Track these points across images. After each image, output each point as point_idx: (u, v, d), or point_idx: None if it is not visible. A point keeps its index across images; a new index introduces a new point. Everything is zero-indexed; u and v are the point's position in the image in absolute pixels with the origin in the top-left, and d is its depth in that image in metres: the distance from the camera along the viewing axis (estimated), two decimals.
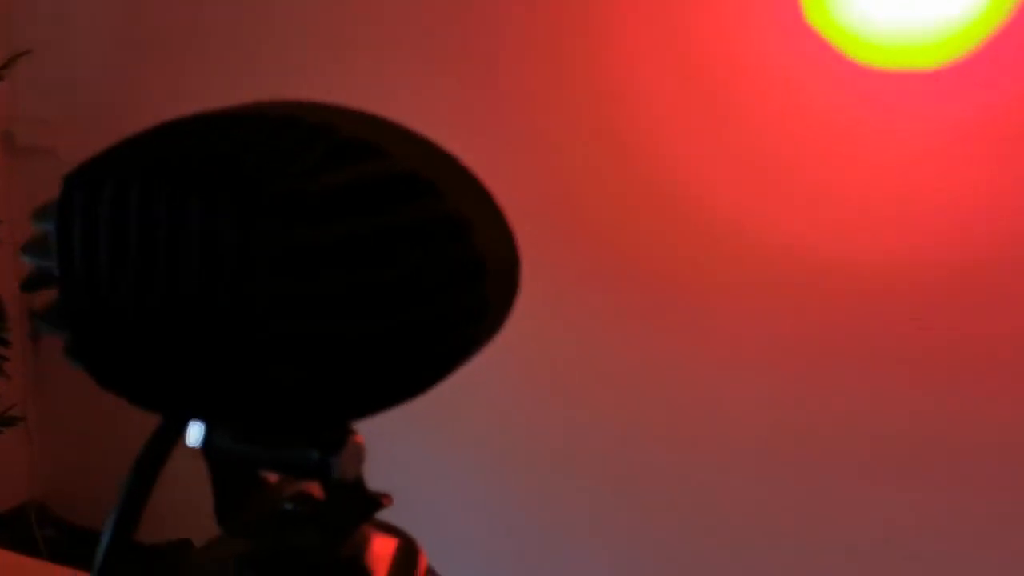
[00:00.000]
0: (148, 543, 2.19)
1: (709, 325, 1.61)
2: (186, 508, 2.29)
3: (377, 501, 0.49)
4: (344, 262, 0.36)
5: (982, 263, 1.39)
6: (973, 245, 1.40)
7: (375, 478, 0.47)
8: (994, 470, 1.44)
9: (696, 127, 1.54)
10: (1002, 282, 1.38)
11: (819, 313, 1.51)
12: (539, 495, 1.84)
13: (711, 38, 1.50)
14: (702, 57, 1.51)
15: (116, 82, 2.24)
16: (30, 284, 0.44)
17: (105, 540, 0.41)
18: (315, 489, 0.47)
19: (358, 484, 0.46)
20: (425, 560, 0.51)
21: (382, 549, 0.50)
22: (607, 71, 1.59)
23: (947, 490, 1.47)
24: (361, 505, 0.48)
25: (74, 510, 2.52)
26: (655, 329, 1.66)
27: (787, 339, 1.54)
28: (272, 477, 0.49)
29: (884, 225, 1.44)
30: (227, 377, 0.38)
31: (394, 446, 1.52)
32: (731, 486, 1.64)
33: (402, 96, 1.71)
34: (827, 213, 1.47)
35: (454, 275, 0.39)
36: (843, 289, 1.48)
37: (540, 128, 1.68)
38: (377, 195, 0.38)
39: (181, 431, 0.43)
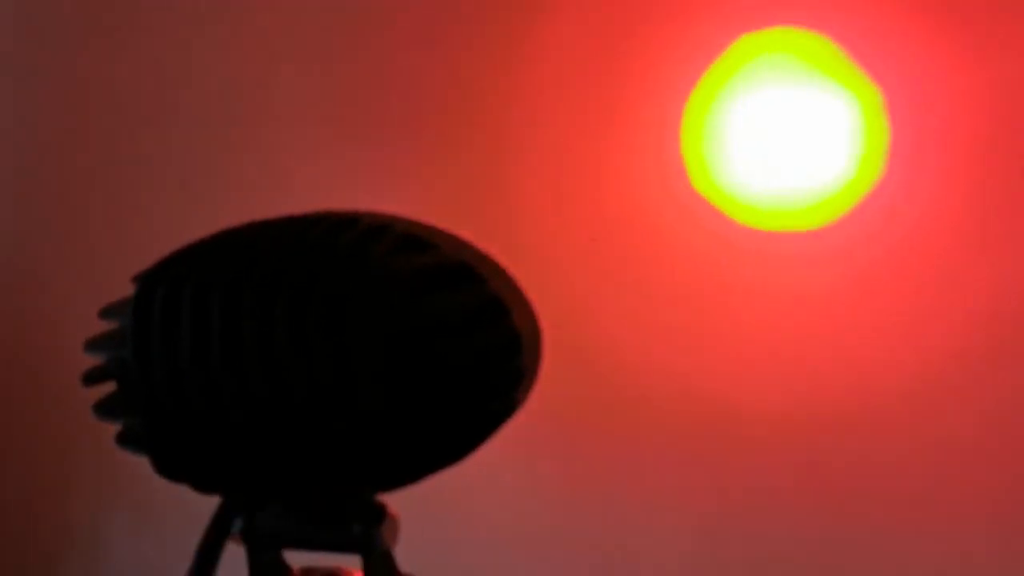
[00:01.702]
0: None
1: (610, 467, 1.68)
2: None
3: None
4: (422, 343, 0.41)
5: (849, 410, 1.53)
6: (843, 391, 1.53)
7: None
8: None
9: (597, 282, 1.66)
10: (872, 424, 1.51)
11: (713, 456, 1.60)
12: None
13: (610, 200, 1.64)
14: (601, 219, 1.65)
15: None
16: (93, 377, 0.47)
17: None
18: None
19: (391, 561, 0.48)
20: None
21: None
22: (516, 236, 1.71)
23: None
24: None
25: None
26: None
27: (688, 483, 1.62)
28: (295, 568, 0.51)
29: (768, 371, 1.56)
30: (303, 456, 0.42)
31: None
32: None
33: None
34: (717, 359, 1.59)
35: (500, 348, 0.45)
36: (732, 434, 1.59)
37: None
38: (435, 281, 0.44)
39: (239, 513, 0.45)
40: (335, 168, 1.93)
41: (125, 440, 0.48)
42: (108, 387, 0.47)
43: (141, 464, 0.50)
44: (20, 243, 2.26)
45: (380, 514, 0.47)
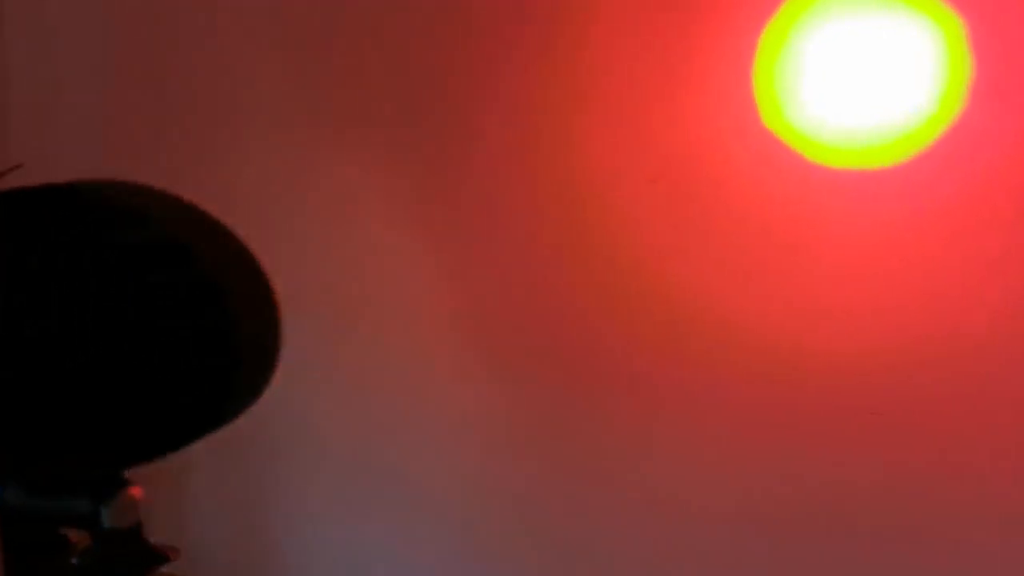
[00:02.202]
0: None
1: (688, 406, 1.68)
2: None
3: (160, 555, 0.51)
4: (130, 322, 0.40)
5: (936, 350, 1.49)
6: (924, 333, 1.50)
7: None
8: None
9: (667, 225, 1.64)
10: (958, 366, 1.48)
11: (792, 396, 1.59)
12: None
13: (677, 141, 1.61)
14: (669, 159, 1.62)
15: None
16: None
17: None
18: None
19: (136, 536, 0.48)
20: None
21: None
22: (579, 174, 1.70)
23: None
24: (140, 557, 0.50)
25: None
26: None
27: (755, 421, 1.62)
28: (74, 536, 0.51)
29: (839, 311, 1.54)
30: (27, 430, 0.41)
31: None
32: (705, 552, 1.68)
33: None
34: (788, 299, 1.56)
35: (211, 330, 0.43)
36: (813, 374, 1.57)
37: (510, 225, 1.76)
38: (148, 260, 0.42)
39: None
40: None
41: None
42: None
43: None
44: None
45: (110, 492, 0.46)
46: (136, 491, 0.50)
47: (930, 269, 1.48)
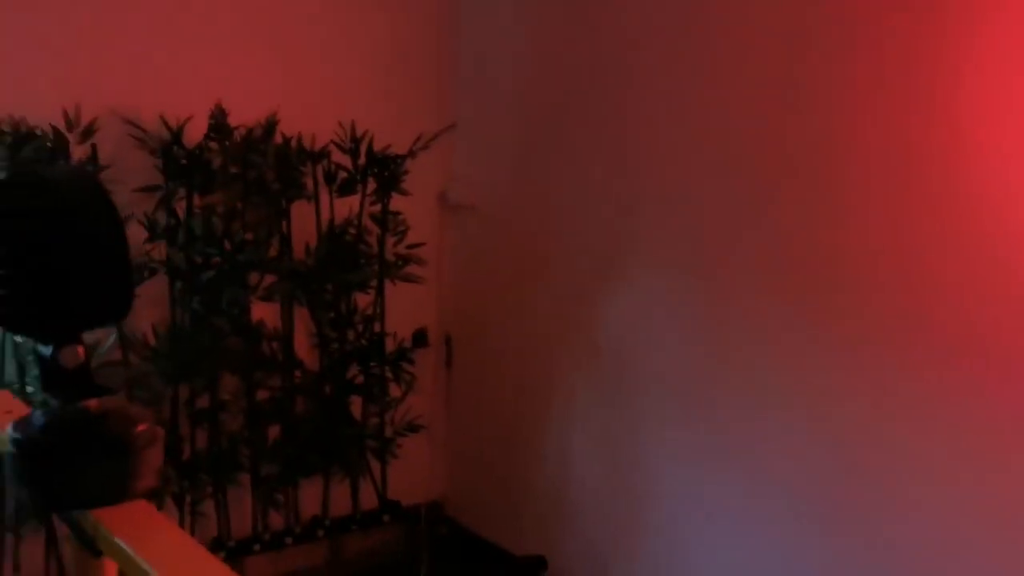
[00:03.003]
0: (511, 553, 2.63)
1: None
2: (546, 525, 2.47)
3: (102, 388, 0.76)
4: None
5: None
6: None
7: None
8: None
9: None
10: None
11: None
12: None
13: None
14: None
15: (525, 151, 2.61)
16: None
17: None
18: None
19: (83, 376, 0.75)
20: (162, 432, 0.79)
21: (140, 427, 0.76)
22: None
23: None
24: (80, 388, 0.76)
25: (466, 513, 2.88)
26: None
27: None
28: None
29: None
30: None
31: None
32: None
33: None
34: None
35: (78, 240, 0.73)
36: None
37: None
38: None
39: None
40: None
41: None
42: None
43: None
44: None
45: (60, 342, 0.75)
46: (80, 349, 0.76)
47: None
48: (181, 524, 2.33)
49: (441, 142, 2.65)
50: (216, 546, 2.45)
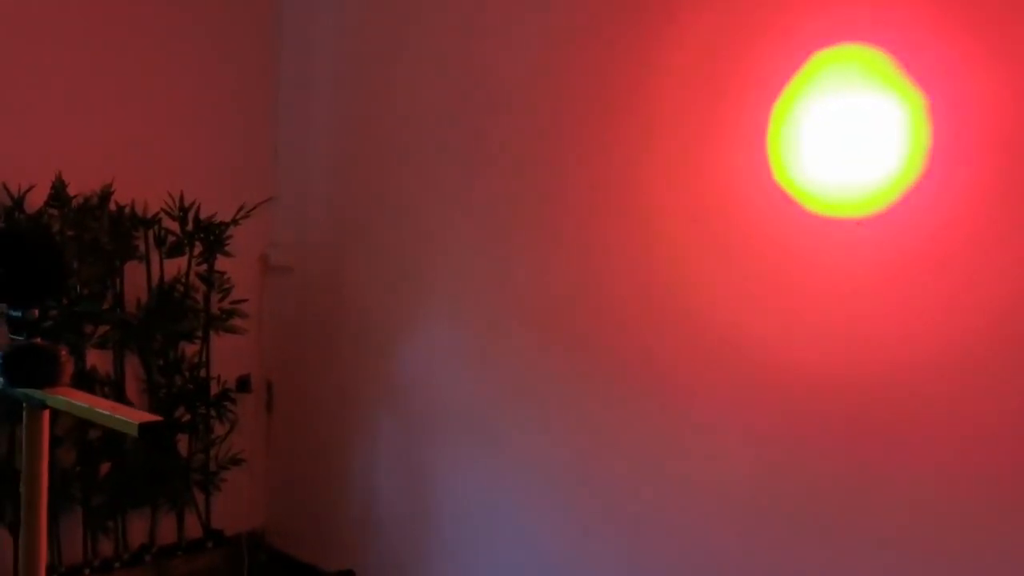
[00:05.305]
0: (319, 569, 3.02)
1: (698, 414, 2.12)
2: (354, 542, 2.98)
3: (44, 333, 1.46)
4: None
5: (913, 367, 1.86)
6: (901, 353, 1.88)
7: None
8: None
9: (700, 255, 2.10)
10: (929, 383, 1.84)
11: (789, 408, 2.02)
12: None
13: (715, 191, 2.07)
14: (707, 204, 2.10)
15: (335, 222, 3.05)
16: None
17: None
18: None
19: (35, 327, 1.45)
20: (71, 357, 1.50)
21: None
22: (638, 213, 2.17)
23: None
24: (32, 333, 1.45)
25: (284, 539, 3.23)
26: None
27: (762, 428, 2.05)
28: None
29: (824, 334, 1.95)
30: None
31: None
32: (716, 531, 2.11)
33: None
34: (787, 323, 1.99)
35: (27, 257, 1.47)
36: (794, 385, 1.99)
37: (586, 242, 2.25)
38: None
39: None
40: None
41: None
42: None
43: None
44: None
45: (28, 308, 1.48)
46: (35, 311, 1.45)
47: (903, 297, 1.86)
48: (15, 551, 2.58)
49: (263, 211, 3.08)
50: (49, 572, 2.70)
